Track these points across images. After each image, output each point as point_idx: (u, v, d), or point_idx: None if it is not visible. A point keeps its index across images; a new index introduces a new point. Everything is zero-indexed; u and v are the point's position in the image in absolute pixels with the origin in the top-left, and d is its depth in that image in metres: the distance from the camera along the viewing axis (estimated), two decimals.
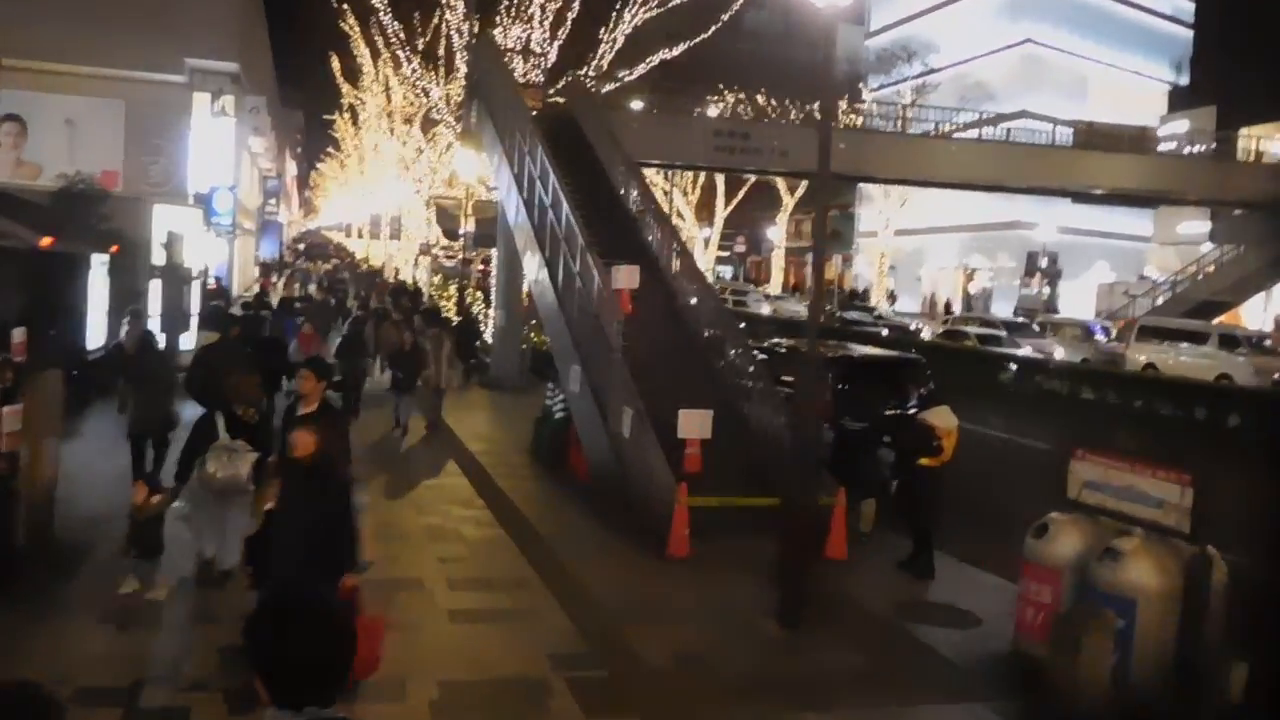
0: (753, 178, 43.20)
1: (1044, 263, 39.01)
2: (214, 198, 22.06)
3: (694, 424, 9.54)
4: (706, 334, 11.65)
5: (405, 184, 37.35)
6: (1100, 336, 25.13)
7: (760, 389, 10.17)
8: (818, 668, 6.18)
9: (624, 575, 7.76)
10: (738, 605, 7.06)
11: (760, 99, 35.73)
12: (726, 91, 34.35)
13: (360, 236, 57.95)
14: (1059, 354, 22.37)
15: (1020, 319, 28.87)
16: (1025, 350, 22.41)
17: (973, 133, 26.95)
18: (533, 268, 13.29)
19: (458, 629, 6.47)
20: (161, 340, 15.00)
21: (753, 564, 7.68)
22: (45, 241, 9.60)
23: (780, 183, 45.00)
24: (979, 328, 24.62)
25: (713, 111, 26.79)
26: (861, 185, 53.97)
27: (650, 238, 13.31)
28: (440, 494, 10.29)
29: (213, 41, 24.50)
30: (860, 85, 40.38)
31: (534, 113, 15.44)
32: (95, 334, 13.83)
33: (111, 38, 22.08)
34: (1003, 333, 23.73)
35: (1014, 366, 20.34)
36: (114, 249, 13.09)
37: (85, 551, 7.51)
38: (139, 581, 6.57)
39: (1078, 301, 43.47)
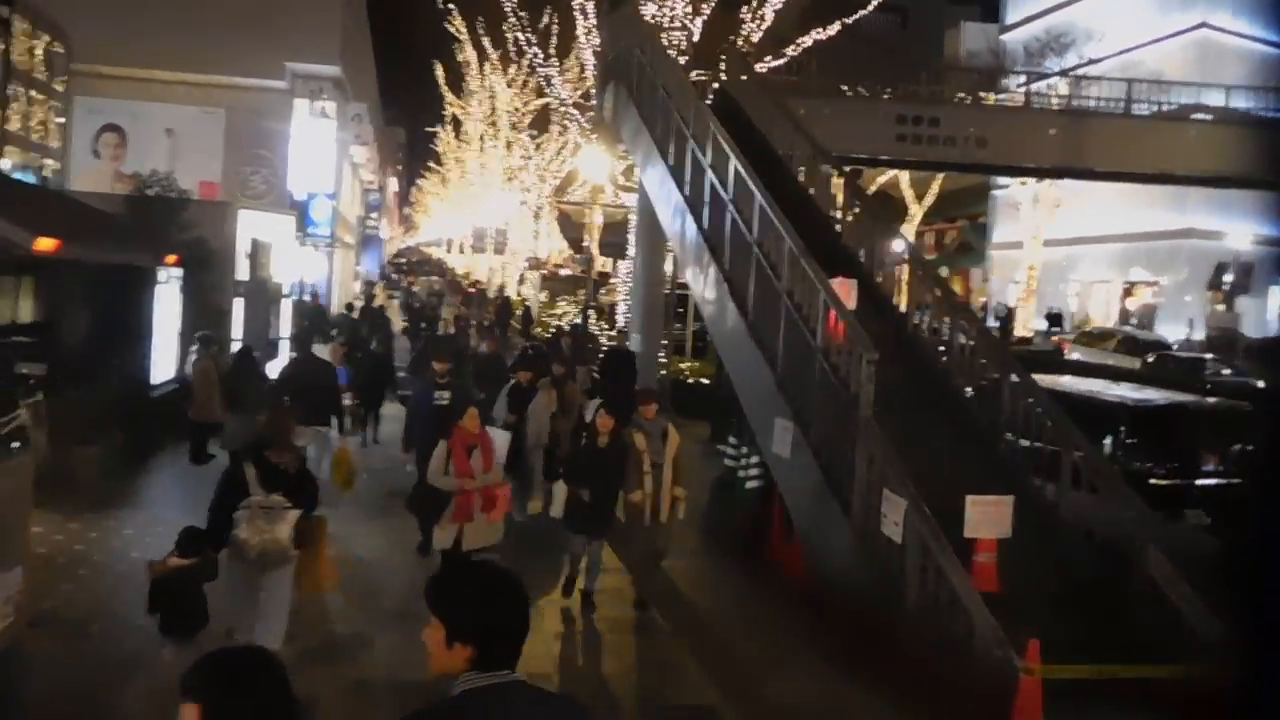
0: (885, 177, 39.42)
1: (1229, 276, 34.10)
2: (311, 205, 19.92)
3: (988, 518, 6.31)
4: (960, 378, 8.32)
5: (511, 194, 35.14)
6: None
7: (1085, 461, 6.78)
8: None
9: None
10: None
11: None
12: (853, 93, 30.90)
13: (461, 252, 56.35)
14: None
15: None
16: None
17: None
18: (703, 283, 10.20)
19: None
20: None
21: None
22: (45, 244, 7.04)
23: (906, 187, 41.06)
24: None
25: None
26: (995, 191, 49.65)
27: (859, 247, 10.10)
28: (604, 603, 7.22)
29: (315, 45, 22.99)
30: (1003, 80, 36.17)
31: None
32: (163, 364, 11.38)
33: (211, 43, 20.73)
34: None
35: None
36: (171, 259, 10.64)
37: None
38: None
39: (1255, 320, 38.12)
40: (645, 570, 7.42)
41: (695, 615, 7.04)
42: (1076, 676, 5.01)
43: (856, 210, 10.46)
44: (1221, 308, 36.40)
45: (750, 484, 8.51)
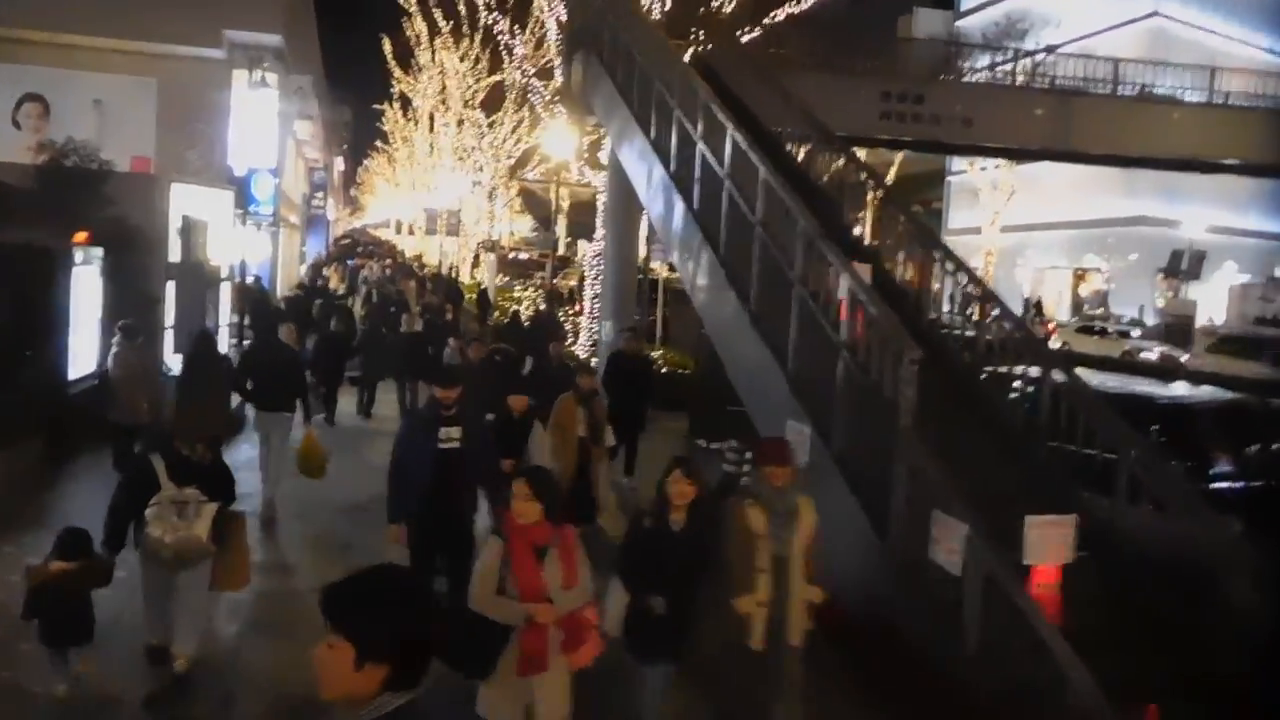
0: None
1: (1185, 263, 34.31)
2: (252, 182, 18.49)
3: (1049, 541, 5.51)
4: (988, 370, 7.54)
5: (464, 175, 33.75)
6: None
7: (1150, 471, 6.01)
8: None
9: None
10: None
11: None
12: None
13: (411, 234, 54.59)
14: None
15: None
16: None
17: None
18: (693, 269, 9.29)
19: None
20: (175, 362, 11.34)
21: None
22: None
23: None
24: None
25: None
26: (951, 177, 49.48)
27: (866, 229, 9.27)
28: None
29: (255, 12, 21.34)
30: (961, 64, 35.74)
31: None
32: (83, 357, 10.09)
33: (143, 7, 19.06)
34: None
35: None
36: (80, 237, 9.36)
37: None
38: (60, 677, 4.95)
39: (1201, 306, 38.58)
40: None
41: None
42: None
43: (860, 189, 9.63)
44: (1172, 295, 36.66)
45: None
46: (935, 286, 8.20)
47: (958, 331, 8.08)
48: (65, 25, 19.64)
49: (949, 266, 7.99)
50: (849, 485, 6.24)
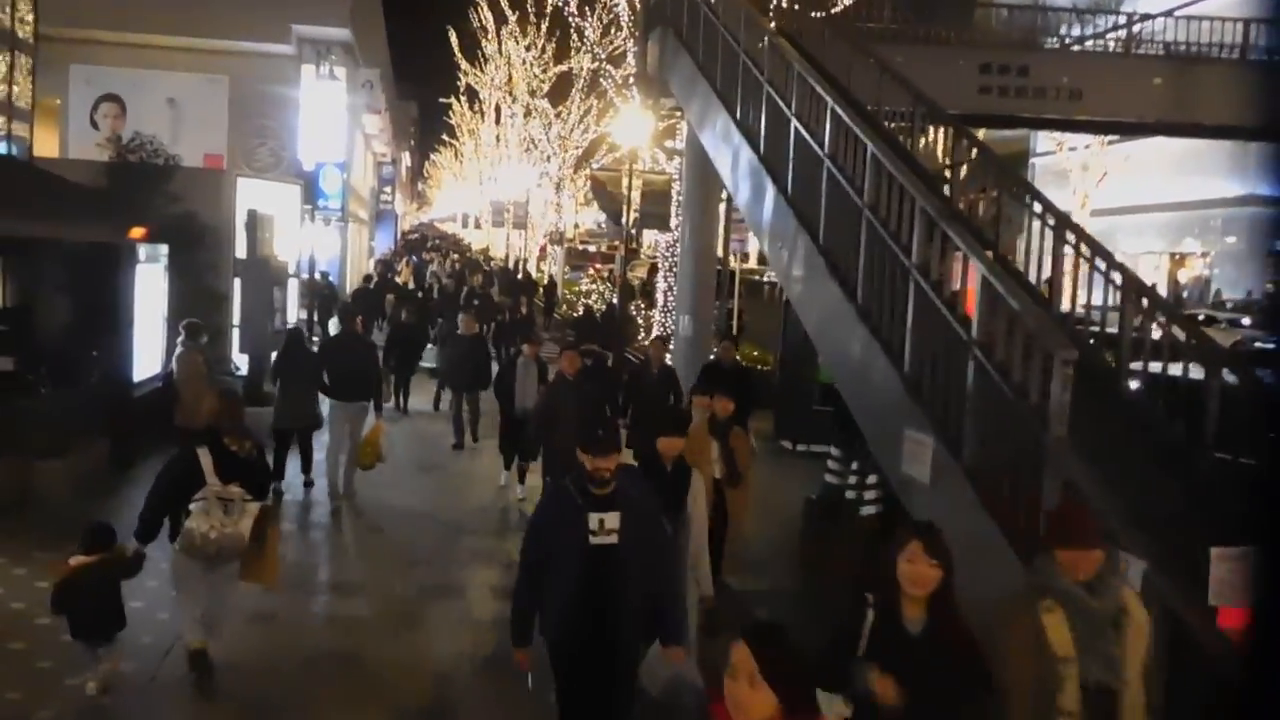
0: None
1: None
2: (320, 176, 18.26)
3: (1239, 578, 4.62)
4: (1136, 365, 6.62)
5: (530, 166, 33.35)
6: None
7: None
8: None
9: None
10: None
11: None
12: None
13: (478, 228, 54.61)
14: None
15: None
16: None
17: None
18: (788, 259, 8.50)
19: None
20: (243, 363, 11.00)
21: None
22: None
23: (942, 154, 38.85)
24: None
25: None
26: (1035, 159, 47.34)
27: (980, 213, 8.37)
28: None
29: (321, 5, 21.22)
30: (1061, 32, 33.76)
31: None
32: (148, 357, 9.76)
33: (212, 6, 19.09)
34: None
35: None
36: (137, 233, 8.98)
37: None
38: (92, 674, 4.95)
39: None
40: None
41: None
42: None
43: (970, 167, 8.72)
44: None
45: (865, 509, 6.84)
46: (1066, 276, 7.28)
47: (1094, 327, 7.16)
48: (140, 25, 19.76)
49: (1084, 254, 7.06)
50: (984, 504, 5.42)
